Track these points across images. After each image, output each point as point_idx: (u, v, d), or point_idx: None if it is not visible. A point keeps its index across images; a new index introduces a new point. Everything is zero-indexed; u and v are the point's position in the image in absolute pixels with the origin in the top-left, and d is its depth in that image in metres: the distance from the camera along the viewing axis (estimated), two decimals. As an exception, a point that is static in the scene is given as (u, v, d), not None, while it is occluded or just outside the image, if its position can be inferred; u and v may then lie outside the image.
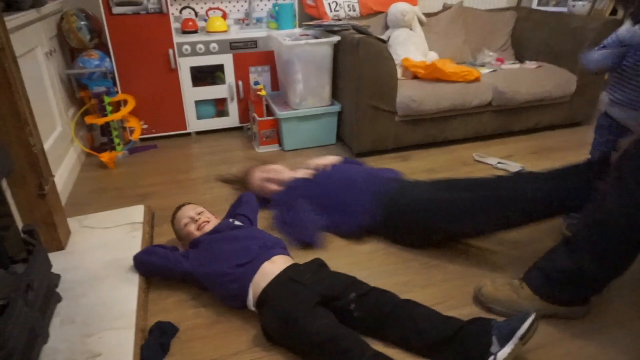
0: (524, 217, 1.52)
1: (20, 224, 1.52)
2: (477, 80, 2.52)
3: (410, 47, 2.77)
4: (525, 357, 1.21)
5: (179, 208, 1.72)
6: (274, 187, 1.96)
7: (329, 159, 2.10)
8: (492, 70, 2.73)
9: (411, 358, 1.22)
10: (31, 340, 1.14)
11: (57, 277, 1.45)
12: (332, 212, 1.78)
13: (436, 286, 1.50)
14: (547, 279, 1.33)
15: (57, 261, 1.49)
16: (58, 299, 1.38)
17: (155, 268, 1.51)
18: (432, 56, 2.86)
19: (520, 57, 3.09)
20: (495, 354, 1.13)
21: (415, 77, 2.61)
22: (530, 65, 2.81)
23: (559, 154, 2.51)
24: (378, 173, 1.94)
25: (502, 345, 1.13)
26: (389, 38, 2.82)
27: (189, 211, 1.67)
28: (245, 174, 2.08)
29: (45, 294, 1.29)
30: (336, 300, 1.29)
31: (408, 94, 2.38)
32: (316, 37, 2.62)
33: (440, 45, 2.97)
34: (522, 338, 1.12)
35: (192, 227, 1.61)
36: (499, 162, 2.37)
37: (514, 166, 2.33)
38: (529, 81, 2.59)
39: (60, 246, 1.62)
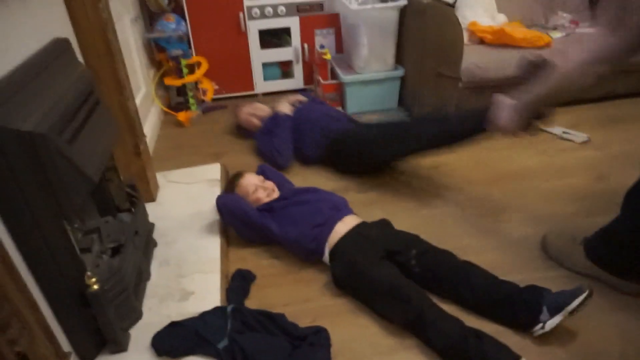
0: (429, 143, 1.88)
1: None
2: (547, 46, 2.45)
3: (477, 10, 2.71)
4: (567, 325, 1.26)
5: (239, 175, 1.82)
6: (256, 121, 2.39)
7: (297, 98, 2.45)
8: (564, 34, 2.63)
9: (463, 314, 1.32)
10: (139, 277, 1.36)
11: (152, 225, 1.67)
12: (296, 142, 2.20)
13: (492, 252, 1.59)
14: (603, 244, 1.39)
15: (150, 211, 1.71)
16: (155, 244, 1.60)
17: (236, 208, 1.61)
18: (501, 19, 2.78)
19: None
20: (544, 323, 1.22)
21: (482, 42, 2.57)
22: (607, 29, 2.67)
23: (631, 125, 2.42)
24: (330, 112, 2.33)
25: (551, 315, 1.21)
26: (456, 1, 2.77)
27: (254, 179, 1.80)
28: (235, 107, 2.54)
29: (147, 240, 1.51)
30: (399, 255, 1.42)
31: (473, 60, 2.37)
32: (382, 1, 2.63)
33: (510, 6, 2.87)
34: (572, 313, 1.20)
35: (262, 194, 1.73)
36: (564, 132, 2.34)
37: (580, 136, 2.30)
38: (604, 47, 2.48)
39: (151, 198, 1.85)
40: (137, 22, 2.45)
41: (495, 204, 1.85)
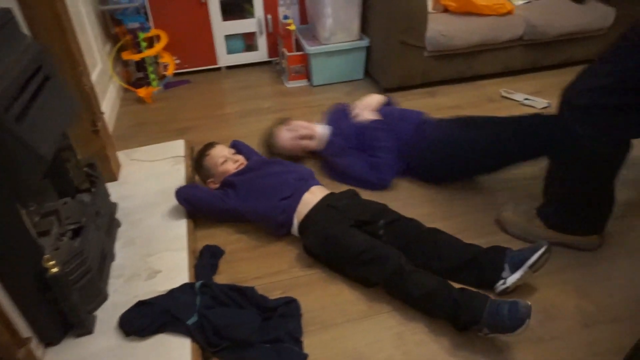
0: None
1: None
2: (510, 13, 2.46)
3: (442, -23, 2.69)
4: (530, 281, 1.33)
5: (211, 145, 1.78)
6: (309, 142, 1.92)
7: (372, 103, 1.98)
8: (526, 1, 2.65)
9: (431, 280, 1.36)
10: (102, 259, 1.33)
11: (115, 205, 1.63)
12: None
13: (457, 217, 1.62)
14: (555, 208, 1.44)
15: (113, 191, 1.65)
16: (118, 224, 1.56)
17: (198, 201, 1.59)
18: (465, -14, 2.77)
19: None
20: (506, 279, 1.27)
21: (446, 10, 2.56)
22: (567, -5, 2.71)
23: (589, 90, 2.47)
24: (406, 115, 1.91)
25: (512, 271, 1.27)
26: (420, -33, 2.73)
27: (224, 151, 1.77)
28: (269, 137, 1.96)
29: (109, 220, 1.47)
30: (367, 225, 1.44)
31: (438, 28, 2.36)
32: (346, -32, 2.57)
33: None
34: (531, 267, 1.25)
35: (231, 166, 1.71)
36: (526, 99, 2.39)
37: (540, 102, 2.34)
38: (564, 14, 2.52)
39: (113, 177, 1.79)
40: (88, -8, 2.32)
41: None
